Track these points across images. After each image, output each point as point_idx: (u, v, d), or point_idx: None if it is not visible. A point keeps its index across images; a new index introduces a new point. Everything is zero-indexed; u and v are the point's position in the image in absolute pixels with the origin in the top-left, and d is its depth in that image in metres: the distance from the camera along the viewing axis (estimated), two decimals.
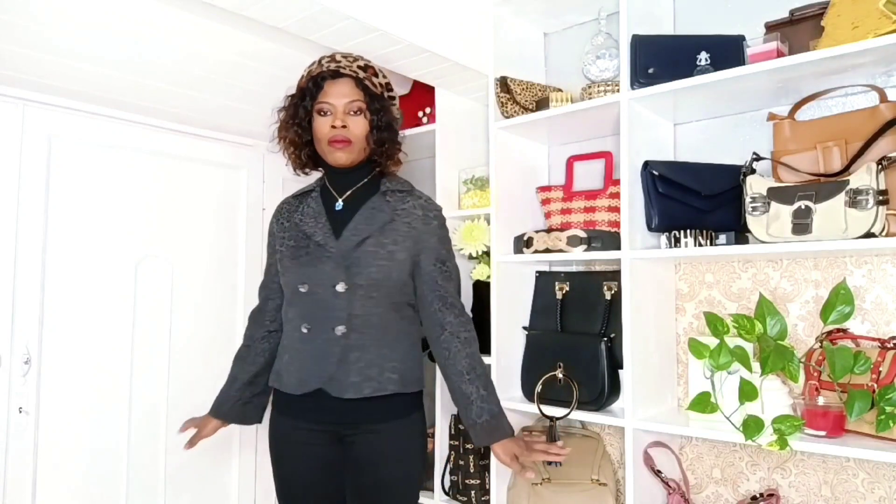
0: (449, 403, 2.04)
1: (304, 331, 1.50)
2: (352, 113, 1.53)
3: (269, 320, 1.64)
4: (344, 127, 1.51)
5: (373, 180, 1.59)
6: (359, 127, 1.53)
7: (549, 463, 1.78)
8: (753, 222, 1.48)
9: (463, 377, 1.47)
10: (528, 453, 1.45)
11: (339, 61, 1.55)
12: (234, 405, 1.62)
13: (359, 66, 1.55)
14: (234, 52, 1.90)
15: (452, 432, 2.02)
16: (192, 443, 1.62)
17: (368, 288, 1.48)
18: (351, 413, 1.48)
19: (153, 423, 1.97)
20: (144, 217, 1.97)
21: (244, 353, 1.65)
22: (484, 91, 2.03)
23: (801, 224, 1.40)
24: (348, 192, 1.58)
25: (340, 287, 1.46)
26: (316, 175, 1.69)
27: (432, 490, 2.06)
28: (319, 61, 1.57)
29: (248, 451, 2.22)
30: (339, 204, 1.57)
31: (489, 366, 1.92)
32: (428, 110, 2.24)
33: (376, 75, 1.58)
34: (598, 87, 1.77)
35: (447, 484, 2.05)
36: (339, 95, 1.52)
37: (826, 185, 1.40)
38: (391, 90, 1.61)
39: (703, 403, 1.54)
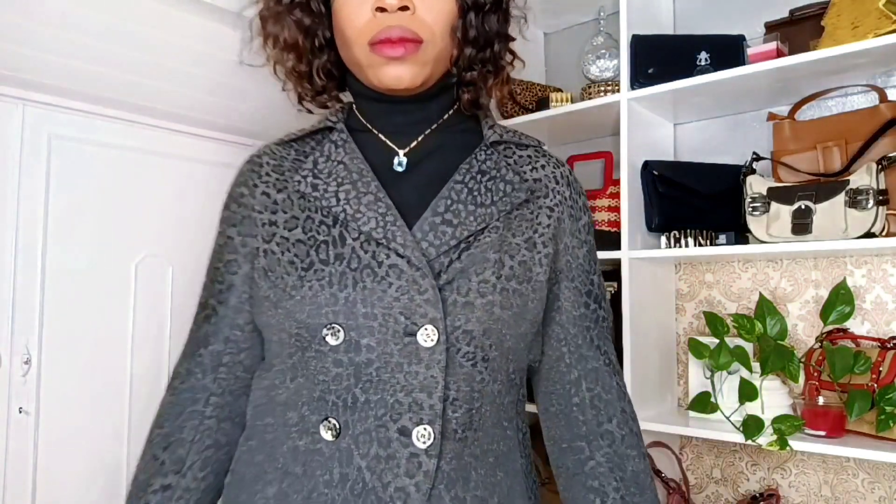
0: None
1: (326, 435, 0.71)
2: None
3: (212, 413, 0.80)
4: (404, 8, 0.72)
5: (461, 118, 0.84)
6: (433, 10, 0.74)
7: (548, 462, 1.77)
8: (753, 222, 1.48)
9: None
10: None
11: None
12: None
13: None
14: (235, 52, 1.90)
15: None
16: None
17: (485, 339, 0.72)
18: None
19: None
20: (144, 217, 1.97)
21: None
22: None
23: (801, 224, 1.40)
24: (416, 140, 0.82)
25: (424, 337, 0.69)
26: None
27: None
28: None
29: None
30: (401, 159, 0.80)
31: None
32: None
33: None
34: (598, 87, 1.77)
35: None
36: None
37: (826, 185, 1.40)
38: None
39: (703, 403, 1.54)
